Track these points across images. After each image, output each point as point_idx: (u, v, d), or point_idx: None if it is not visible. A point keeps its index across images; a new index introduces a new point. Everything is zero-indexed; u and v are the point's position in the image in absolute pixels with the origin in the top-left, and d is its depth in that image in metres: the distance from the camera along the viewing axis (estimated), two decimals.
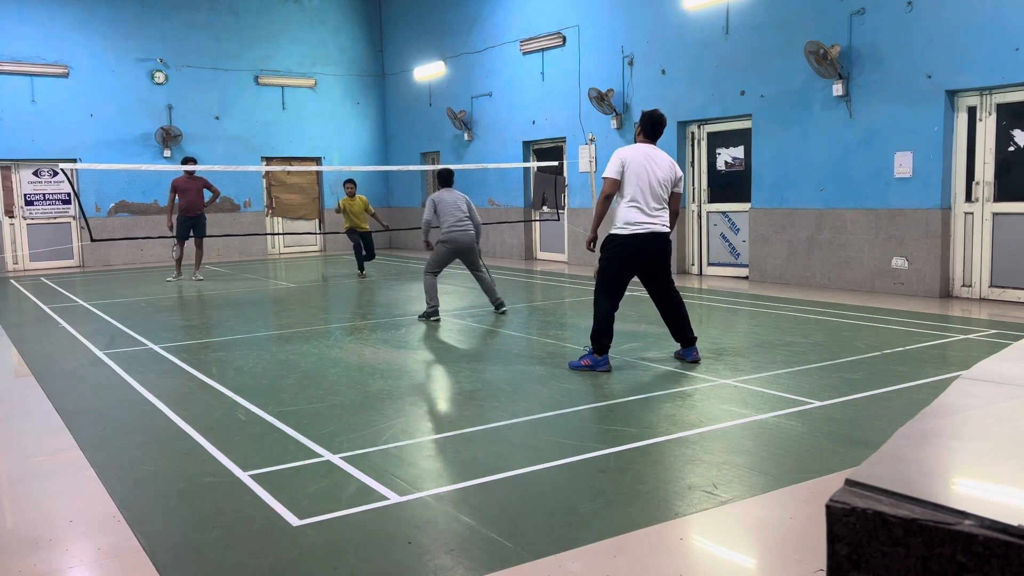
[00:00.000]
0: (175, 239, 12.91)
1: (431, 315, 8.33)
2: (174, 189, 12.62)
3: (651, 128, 5.95)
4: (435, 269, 8.40)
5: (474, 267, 8.62)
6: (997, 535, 1.02)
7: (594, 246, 6.14)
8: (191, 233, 12.72)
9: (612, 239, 5.85)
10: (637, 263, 5.87)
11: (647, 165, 5.77)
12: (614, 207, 5.93)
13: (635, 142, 6.02)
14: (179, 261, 13.07)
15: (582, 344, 6.59)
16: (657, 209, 5.81)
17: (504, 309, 8.64)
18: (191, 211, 12.59)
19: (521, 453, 4.13)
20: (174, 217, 12.75)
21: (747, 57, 11.15)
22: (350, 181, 13.52)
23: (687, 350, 6.15)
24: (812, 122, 10.44)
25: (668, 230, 5.90)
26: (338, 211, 13.73)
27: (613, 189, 5.81)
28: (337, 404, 5.19)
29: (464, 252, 8.45)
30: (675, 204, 5.96)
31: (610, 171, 5.80)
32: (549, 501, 3.50)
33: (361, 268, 13.98)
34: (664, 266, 5.98)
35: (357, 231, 13.62)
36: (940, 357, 6.27)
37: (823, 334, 7.20)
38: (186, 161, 13.00)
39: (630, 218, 5.77)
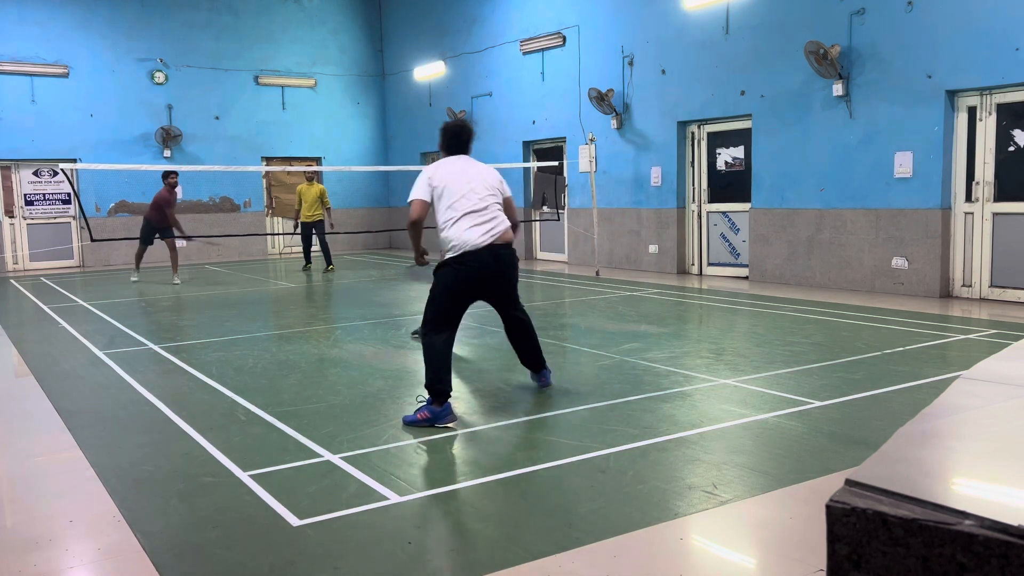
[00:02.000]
0: (139, 242, 12.73)
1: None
2: (169, 204, 12.32)
3: (452, 141, 5.20)
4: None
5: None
6: (997, 535, 1.02)
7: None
8: (156, 237, 12.51)
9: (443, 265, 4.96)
10: (477, 285, 4.95)
11: (463, 176, 4.99)
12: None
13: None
14: (139, 261, 12.99)
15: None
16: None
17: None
18: (163, 221, 12.37)
19: (521, 453, 4.13)
20: (176, 218, 12.56)
21: (747, 57, 11.15)
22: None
23: (539, 374, 5.50)
24: (812, 122, 10.44)
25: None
26: (299, 203, 13.95)
27: (422, 212, 4.94)
28: (337, 404, 5.19)
29: None
30: (511, 212, 5.15)
31: (416, 193, 4.98)
32: (549, 501, 3.50)
33: (308, 259, 14.26)
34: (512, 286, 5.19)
35: (308, 222, 13.92)
36: (940, 357, 6.27)
37: (823, 334, 7.20)
38: (168, 175, 12.56)
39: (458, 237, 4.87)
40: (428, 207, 4.94)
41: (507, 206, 5.13)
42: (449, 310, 4.89)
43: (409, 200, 4.97)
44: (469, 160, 5.16)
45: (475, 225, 4.83)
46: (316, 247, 14.40)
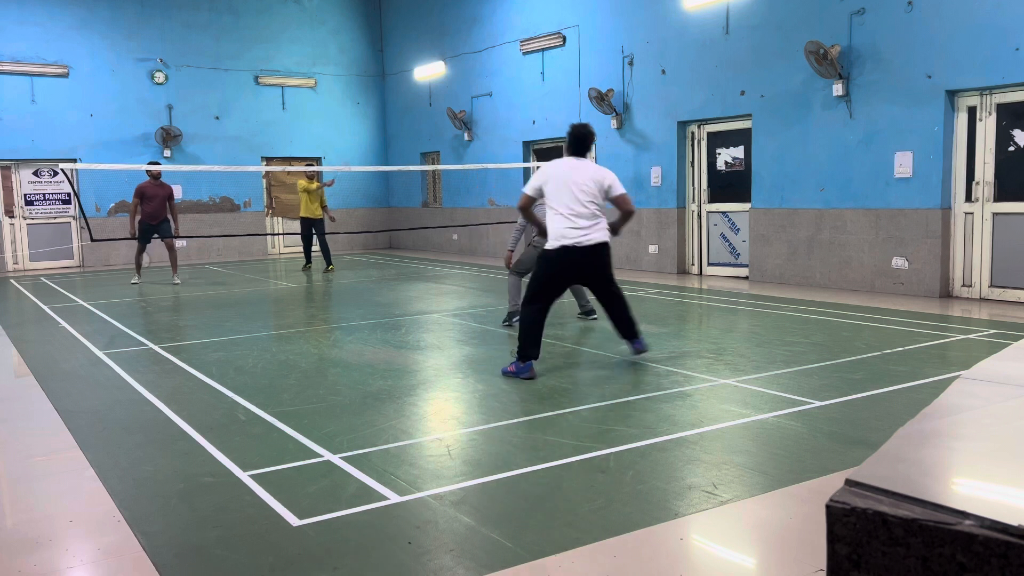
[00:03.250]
0: (137, 242, 12.57)
1: (514, 316, 7.88)
2: (139, 195, 12.18)
3: (573, 143, 5.97)
4: (521, 270, 7.94)
5: None
6: (997, 535, 1.02)
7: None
8: (154, 236, 12.41)
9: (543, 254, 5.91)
10: (571, 273, 5.89)
11: (569, 176, 5.78)
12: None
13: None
14: (140, 262, 12.82)
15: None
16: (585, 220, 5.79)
17: (594, 316, 8.16)
18: (153, 218, 12.24)
19: (521, 453, 4.13)
20: (136, 221, 12.33)
21: (747, 57, 11.15)
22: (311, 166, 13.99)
23: (634, 343, 6.17)
24: (812, 122, 10.44)
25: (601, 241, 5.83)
26: (303, 190, 13.90)
27: (526, 203, 5.94)
28: (337, 404, 5.19)
29: None
30: (624, 206, 5.93)
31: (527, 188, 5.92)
32: (549, 501, 3.50)
33: (308, 259, 14.24)
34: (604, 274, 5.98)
35: (308, 220, 13.91)
36: (940, 357, 6.27)
37: (823, 334, 7.20)
38: (152, 164, 12.53)
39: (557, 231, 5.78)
40: (533, 201, 5.90)
41: (619, 203, 5.93)
42: (546, 289, 5.84)
43: (522, 191, 5.94)
44: (582, 163, 5.92)
45: (572, 227, 5.72)
46: (315, 247, 14.40)
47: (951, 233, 9.31)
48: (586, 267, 5.85)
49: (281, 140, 18.25)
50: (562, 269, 5.81)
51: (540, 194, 5.85)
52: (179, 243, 12.91)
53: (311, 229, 14.12)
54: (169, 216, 12.40)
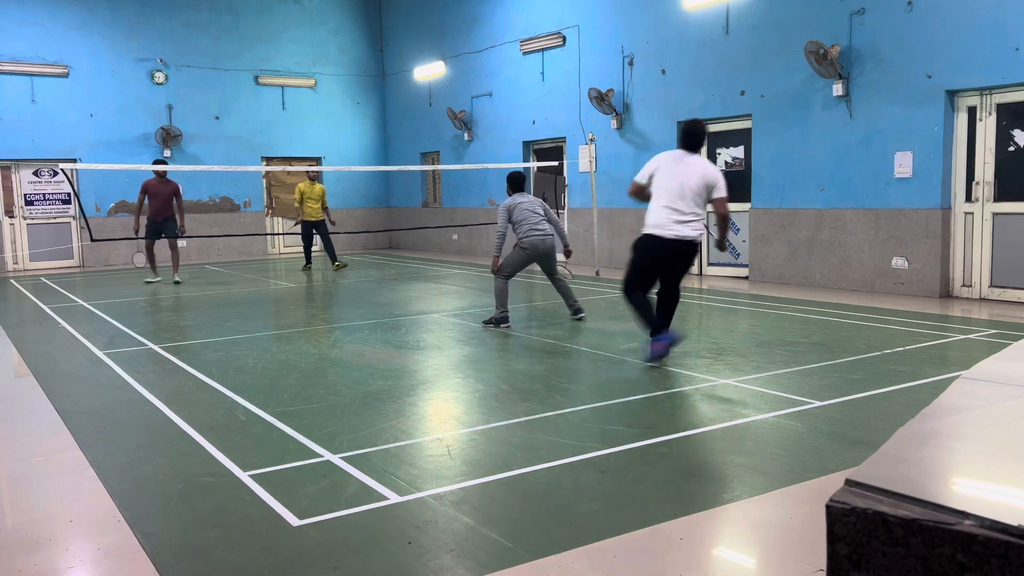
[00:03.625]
0: (145, 241, 12.55)
1: (500, 322, 7.83)
2: (144, 191, 12.20)
3: (686, 138, 6.08)
4: (507, 273, 7.89)
5: (551, 273, 8.18)
6: (997, 535, 1.02)
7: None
8: (160, 235, 12.39)
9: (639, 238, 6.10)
10: (657, 261, 6.04)
11: (677, 168, 5.94)
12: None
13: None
14: (153, 261, 12.76)
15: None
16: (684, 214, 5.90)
17: (583, 315, 8.16)
18: (158, 216, 12.23)
19: (521, 453, 4.13)
20: (142, 219, 12.35)
21: (747, 57, 11.15)
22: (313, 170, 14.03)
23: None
24: (812, 122, 10.44)
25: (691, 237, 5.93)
26: (298, 202, 13.90)
27: (634, 190, 6.17)
28: (337, 404, 5.19)
29: (543, 258, 7.96)
30: (721, 209, 6.00)
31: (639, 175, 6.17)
32: (549, 501, 3.50)
33: (308, 260, 14.25)
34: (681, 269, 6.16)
35: (310, 222, 13.92)
36: (940, 357, 6.27)
37: (823, 334, 7.20)
38: (158, 163, 12.57)
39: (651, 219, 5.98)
40: (643, 187, 6.10)
41: (718, 204, 5.94)
42: (642, 275, 6.04)
43: (634, 179, 6.22)
44: (692, 158, 6.00)
45: (666, 218, 5.86)
46: (317, 247, 14.42)
47: (951, 233, 9.31)
48: (671, 259, 5.97)
49: (281, 140, 18.25)
50: (653, 256, 5.95)
51: (650, 181, 6.04)
52: (179, 243, 12.86)
53: (312, 230, 14.14)
54: (175, 214, 12.40)
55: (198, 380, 5.98)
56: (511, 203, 7.88)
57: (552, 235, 7.93)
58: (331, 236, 14.27)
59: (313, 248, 14.46)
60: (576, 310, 8.18)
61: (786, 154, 10.82)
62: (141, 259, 12.83)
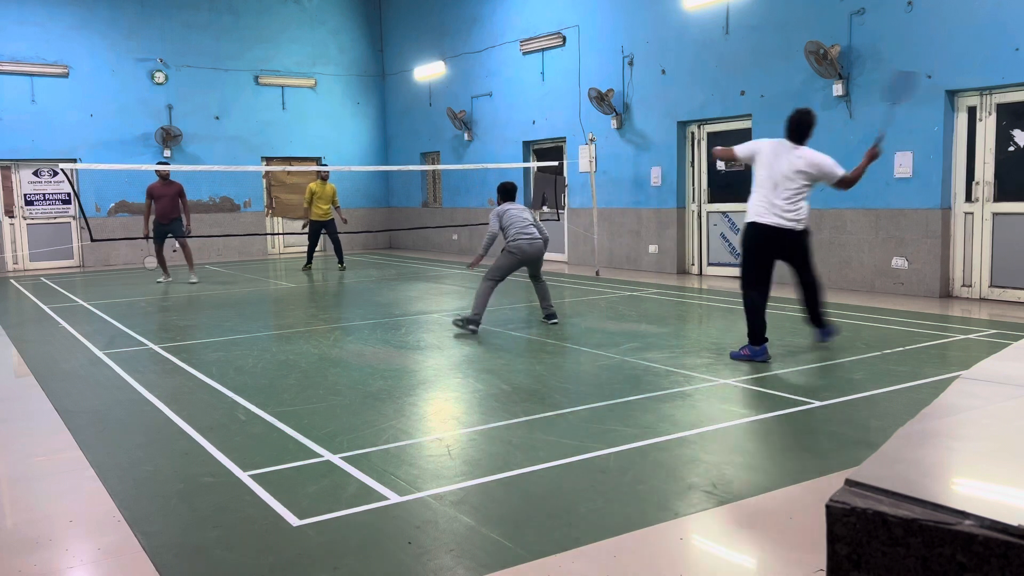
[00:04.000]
0: (154, 243, 12.63)
1: (470, 323, 7.64)
2: (149, 195, 12.27)
3: (792, 128, 6.09)
4: (495, 277, 7.83)
5: (536, 277, 8.15)
6: (997, 535, 1.02)
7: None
8: (168, 236, 12.47)
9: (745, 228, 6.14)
10: (767, 248, 6.07)
11: (781, 158, 5.99)
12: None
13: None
14: (163, 261, 12.82)
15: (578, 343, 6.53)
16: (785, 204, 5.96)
17: (555, 321, 8.05)
18: (164, 217, 12.28)
19: (521, 453, 4.13)
20: (151, 221, 12.40)
21: (747, 57, 11.15)
22: (324, 165, 13.96)
23: (819, 331, 6.43)
24: None
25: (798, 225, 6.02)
26: (307, 202, 13.88)
27: (728, 153, 6.27)
28: (337, 404, 5.19)
29: (531, 262, 7.94)
30: (841, 184, 6.13)
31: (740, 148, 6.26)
32: (549, 501, 3.50)
33: (310, 260, 14.29)
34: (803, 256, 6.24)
35: (319, 222, 13.92)
36: (940, 357, 6.27)
37: None
38: (160, 165, 12.60)
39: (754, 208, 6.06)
40: (735, 156, 6.22)
41: (841, 186, 6.13)
42: (757, 268, 6.04)
43: (734, 148, 6.28)
44: (797, 149, 6.01)
45: (768, 208, 5.91)
46: (320, 248, 14.45)
47: (951, 233, 9.31)
48: (784, 248, 6.03)
49: (281, 140, 18.25)
50: (761, 245, 6.00)
51: (749, 159, 6.14)
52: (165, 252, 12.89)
53: (321, 230, 14.12)
54: (181, 214, 12.45)
55: (198, 380, 5.98)
56: (501, 209, 8.01)
57: (540, 240, 7.93)
58: (341, 246, 14.31)
59: (316, 249, 14.49)
60: (549, 314, 8.06)
61: None
62: (153, 262, 12.87)
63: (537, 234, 7.92)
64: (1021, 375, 1.96)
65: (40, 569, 3.03)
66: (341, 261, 14.24)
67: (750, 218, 6.02)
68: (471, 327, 7.65)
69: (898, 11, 9.38)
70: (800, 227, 6.00)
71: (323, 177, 14.03)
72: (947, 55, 8.98)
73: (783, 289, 10.32)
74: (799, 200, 5.96)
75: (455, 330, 7.83)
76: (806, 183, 5.96)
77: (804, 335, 7.17)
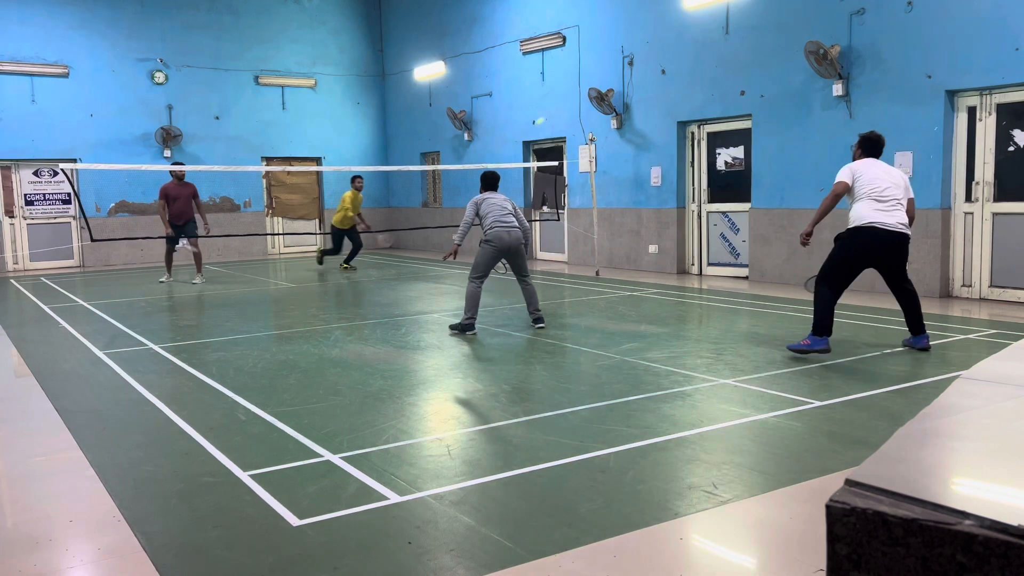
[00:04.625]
0: (166, 243, 12.69)
1: (466, 328, 7.54)
2: (164, 196, 12.28)
3: (871, 147, 6.40)
4: (478, 274, 7.66)
5: (521, 273, 7.83)
6: (997, 535, 1.02)
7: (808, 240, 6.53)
8: (182, 236, 12.48)
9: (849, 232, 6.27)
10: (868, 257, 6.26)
11: (883, 171, 6.27)
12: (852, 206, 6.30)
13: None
14: (170, 262, 12.86)
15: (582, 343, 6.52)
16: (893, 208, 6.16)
17: (542, 325, 7.79)
18: (180, 218, 12.31)
19: (521, 453, 4.13)
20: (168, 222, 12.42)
21: (747, 57, 11.15)
22: (360, 177, 14.04)
23: (916, 338, 6.45)
24: (812, 122, 10.44)
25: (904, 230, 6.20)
26: (345, 207, 13.81)
27: (842, 190, 6.28)
28: (337, 404, 5.19)
29: (510, 253, 7.71)
30: (911, 210, 6.35)
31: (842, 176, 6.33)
32: (549, 501, 3.50)
33: (349, 259, 14.28)
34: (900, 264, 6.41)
35: (343, 229, 13.93)
36: (940, 357, 6.27)
37: None
38: (175, 165, 12.64)
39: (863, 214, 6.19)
40: (848, 188, 6.24)
41: (910, 205, 6.31)
42: (843, 269, 6.20)
43: (839, 179, 6.30)
44: (884, 164, 6.36)
45: (882, 211, 6.08)
46: (325, 247, 14.50)
47: (951, 233, 9.31)
48: (888, 254, 6.17)
49: (281, 140, 18.25)
50: (862, 249, 6.12)
51: (852, 183, 6.23)
52: (181, 243, 12.87)
53: (344, 235, 14.07)
54: (196, 215, 12.48)
55: (198, 380, 5.98)
56: (480, 198, 7.93)
57: (518, 229, 7.71)
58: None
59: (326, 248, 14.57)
60: (537, 319, 7.83)
61: (786, 154, 10.82)
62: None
63: (515, 224, 7.69)
64: (1021, 375, 1.96)
65: (40, 569, 3.03)
66: (348, 261, 14.26)
67: (858, 223, 6.17)
68: (469, 332, 7.56)
69: (898, 11, 9.38)
70: (907, 231, 6.22)
71: (358, 188, 14.01)
72: (947, 55, 8.98)
73: (784, 289, 10.32)
74: (903, 208, 6.25)
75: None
76: (903, 193, 6.27)
77: (804, 335, 7.16)
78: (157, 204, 12.50)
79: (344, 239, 14.17)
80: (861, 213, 6.13)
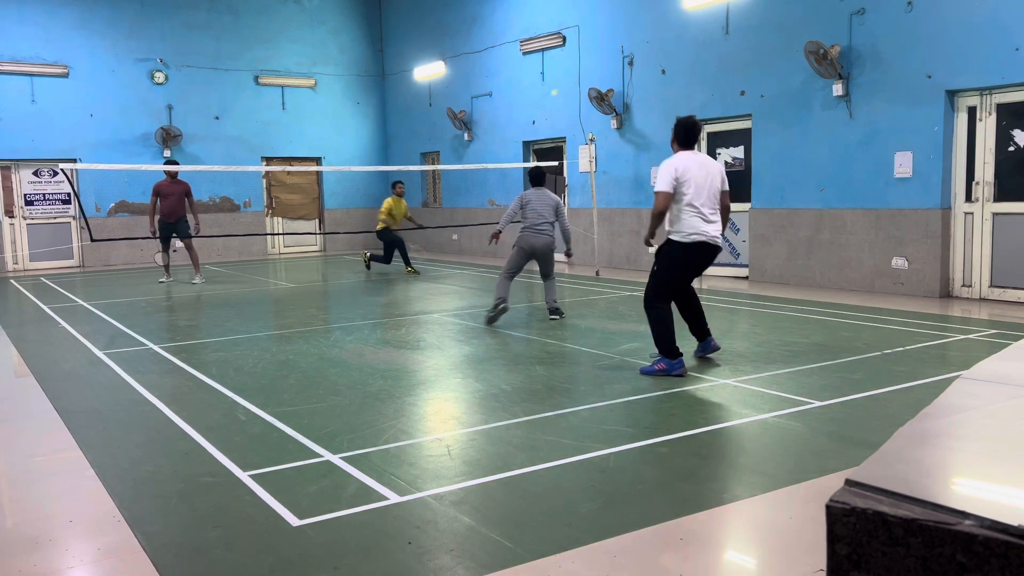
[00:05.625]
0: (159, 242, 12.67)
1: (498, 306, 7.98)
2: (156, 193, 12.25)
3: (685, 135, 6.01)
4: (509, 271, 8.17)
5: (546, 274, 8.32)
6: (997, 535, 1.02)
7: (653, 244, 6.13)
8: (173, 235, 12.45)
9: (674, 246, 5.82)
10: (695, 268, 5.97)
11: (702, 171, 5.81)
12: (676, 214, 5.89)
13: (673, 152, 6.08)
14: (167, 262, 12.83)
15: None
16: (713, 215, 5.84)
17: (555, 317, 8.21)
18: (171, 216, 12.27)
19: (521, 453, 4.13)
20: (156, 220, 12.36)
21: (747, 57, 11.15)
22: (401, 182, 13.72)
23: (703, 343, 6.28)
24: (812, 122, 10.44)
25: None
26: (388, 213, 13.41)
27: (667, 204, 5.79)
28: (337, 404, 5.19)
29: (539, 255, 8.15)
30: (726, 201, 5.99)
31: (662, 185, 5.82)
32: (549, 501, 3.50)
33: (408, 262, 13.76)
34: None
35: (392, 231, 13.56)
36: (940, 357, 6.27)
37: (823, 334, 7.20)
38: (169, 164, 12.67)
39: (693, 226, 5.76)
40: (671, 198, 5.83)
41: (725, 198, 5.94)
42: (677, 283, 5.94)
43: (658, 190, 5.88)
44: (706, 157, 6.03)
45: (707, 222, 5.73)
46: (320, 248, 14.34)
47: (951, 233, 9.31)
48: (707, 263, 5.93)
49: (281, 140, 18.25)
50: (691, 263, 5.85)
51: (675, 189, 5.81)
52: (178, 243, 12.86)
53: (394, 239, 13.68)
54: (188, 214, 12.44)
55: (198, 380, 5.98)
56: (526, 197, 8.26)
57: (551, 237, 8.20)
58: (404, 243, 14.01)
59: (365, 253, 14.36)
60: (553, 309, 8.27)
61: (786, 154, 10.82)
62: (163, 258, 12.82)
63: (549, 231, 8.15)
64: (1021, 375, 1.96)
65: (40, 569, 3.03)
66: (408, 263, 13.75)
67: (686, 238, 5.75)
68: (501, 306, 7.99)
69: (898, 11, 9.38)
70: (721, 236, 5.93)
71: (399, 193, 13.67)
72: (947, 55, 8.98)
73: (784, 289, 10.33)
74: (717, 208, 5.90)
75: (455, 330, 7.83)
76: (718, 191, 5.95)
77: (804, 335, 7.17)
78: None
79: (393, 247, 13.67)
80: (688, 224, 5.71)
